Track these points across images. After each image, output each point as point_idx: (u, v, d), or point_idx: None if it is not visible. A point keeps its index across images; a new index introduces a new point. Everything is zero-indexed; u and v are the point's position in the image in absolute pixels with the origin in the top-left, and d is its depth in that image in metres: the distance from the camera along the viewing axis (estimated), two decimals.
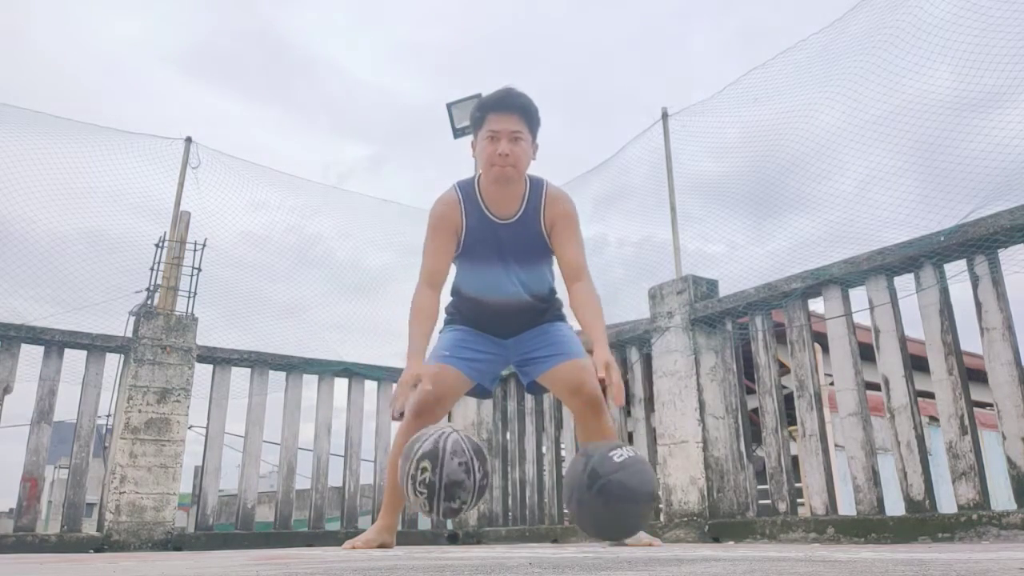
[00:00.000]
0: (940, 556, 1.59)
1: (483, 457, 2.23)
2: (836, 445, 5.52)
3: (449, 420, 6.00)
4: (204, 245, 5.39)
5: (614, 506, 2.24)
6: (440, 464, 2.15)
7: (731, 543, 3.69)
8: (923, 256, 3.35)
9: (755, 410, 4.11)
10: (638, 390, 4.73)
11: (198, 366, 5.04)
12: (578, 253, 2.68)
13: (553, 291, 2.85)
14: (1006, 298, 3.12)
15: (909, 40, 3.70)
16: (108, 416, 4.95)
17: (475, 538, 5.59)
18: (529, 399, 5.54)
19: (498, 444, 5.80)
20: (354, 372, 5.58)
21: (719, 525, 3.99)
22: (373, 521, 3.41)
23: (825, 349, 3.93)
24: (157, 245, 5.27)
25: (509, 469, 5.64)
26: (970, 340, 3.29)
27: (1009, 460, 2.99)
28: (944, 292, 3.33)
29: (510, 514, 5.57)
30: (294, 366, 5.38)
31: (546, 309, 2.81)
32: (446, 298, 2.88)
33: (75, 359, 4.78)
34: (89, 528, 4.72)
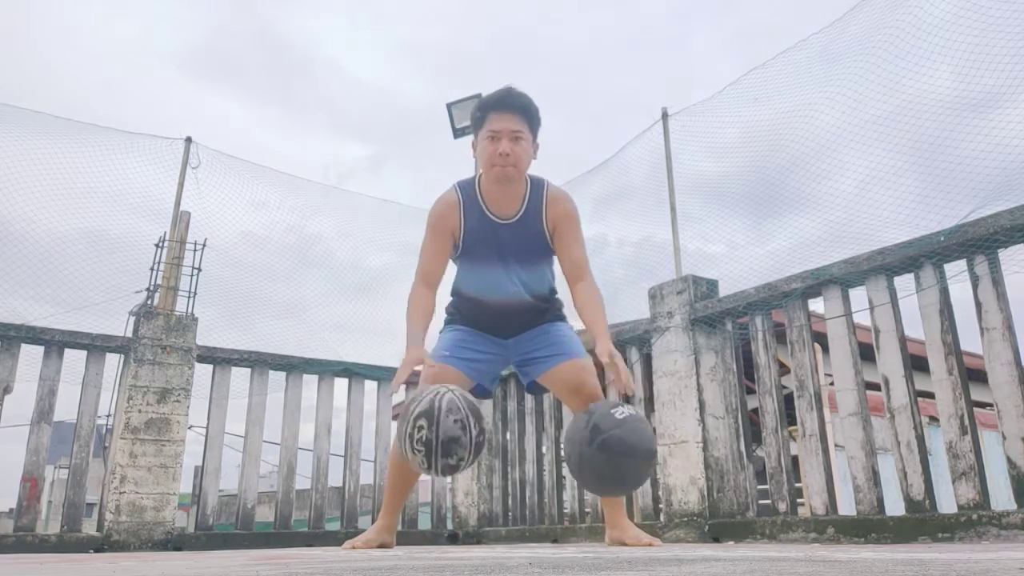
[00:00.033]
0: (940, 556, 1.59)
1: (479, 415, 2.24)
2: (836, 445, 5.51)
3: None
4: (204, 245, 5.39)
5: (614, 461, 2.27)
6: (436, 422, 2.16)
7: (731, 543, 3.70)
8: (923, 256, 3.35)
9: (755, 410, 4.11)
10: (638, 390, 4.73)
11: (198, 366, 5.04)
12: (580, 253, 2.69)
13: (554, 291, 2.85)
14: (1006, 298, 3.12)
15: (909, 40, 3.70)
16: (108, 416, 4.95)
17: (475, 538, 5.59)
18: (529, 399, 5.54)
19: (498, 444, 5.80)
20: (354, 372, 5.58)
21: (719, 525, 3.99)
22: (373, 521, 3.41)
23: (825, 349, 3.93)
24: (157, 245, 5.27)
25: (509, 469, 5.65)
26: (970, 340, 3.29)
27: (1009, 460, 2.99)
28: (944, 292, 3.33)
29: (510, 514, 5.57)
30: (294, 366, 5.38)
31: (546, 309, 2.81)
32: (446, 298, 2.88)
33: (75, 359, 4.78)
34: (89, 528, 4.72)
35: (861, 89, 4.01)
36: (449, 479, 6.05)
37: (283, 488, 5.20)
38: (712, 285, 4.50)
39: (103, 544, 4.44)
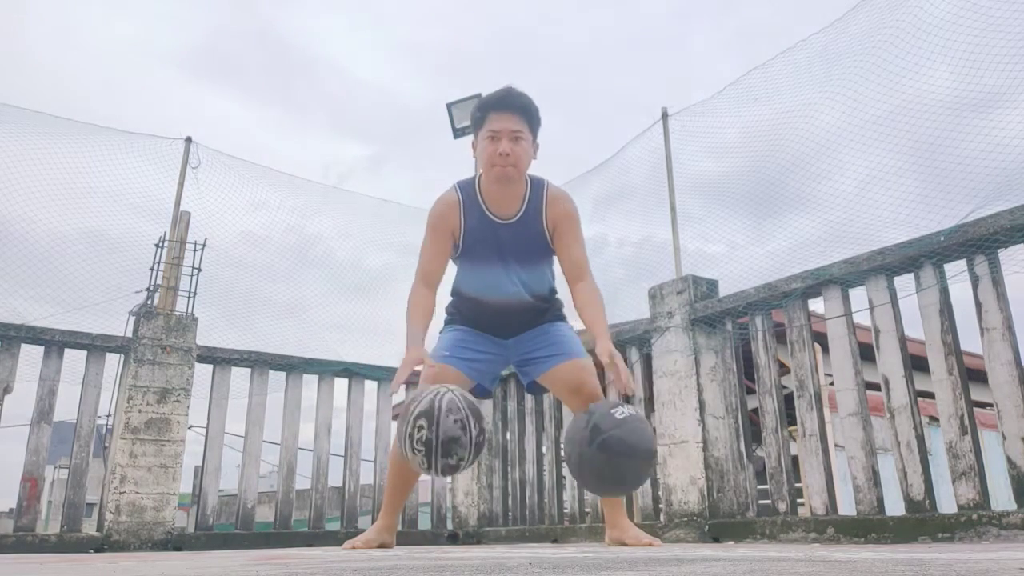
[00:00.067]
0: (940, 556, 1.59)
1: (479, 415, 2.24)
2: (836, 445, 5.51)
3: None
4: (204, 245, 5.39)
5: (614, 461, 2.27)
6: (436, 422, 2.16)
7: (731, 543, 3.70)
8: (923, 256, 3.35)
9: (755, 410, 4.11)
10: (638, 390, 4.73)
11: (198, 366, 5.04)
12: (580, 253, 2.70)
13: (554, 291, 2.85)
14: (1006, 298, 3.12)
15: (909, 40, 3.70)
16: (108, 416, 4.95)
17: (475, 538, 5.59)
18: (529, 399, 5.54)
19: (498, 444, 5.80)
20: (354, 372, 5.58)
21: (719, 525, 3.99)
22: (373, 521, 3.41)
23: (825, 349, 3.93)
24: (157, 245, 5.27)
25: (509, 469, 5.65)
26: (970, 340, 3.29)
27: (1009, 460, 2.99)
28: (944, 292, 3.33)
29: (510, 514, 5.57)
30: (294, 366, 5.38)
31: (546, 309, 2.81)
32: (445, 298, 2.88)
33: (75, 359, 4.78)
34: (89, 528, 4.72)
35: (861, 89, 4.01)
36: (449, 479, 6.05)
37: (283, 488, 5.20)
38: (712, 285, 4.50)
39: (103, 544, 4.44)
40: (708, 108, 4.99)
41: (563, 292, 2.84)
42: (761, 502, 4.09)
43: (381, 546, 2.83)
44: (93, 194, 5.25)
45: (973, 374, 3.31)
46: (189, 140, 5.58)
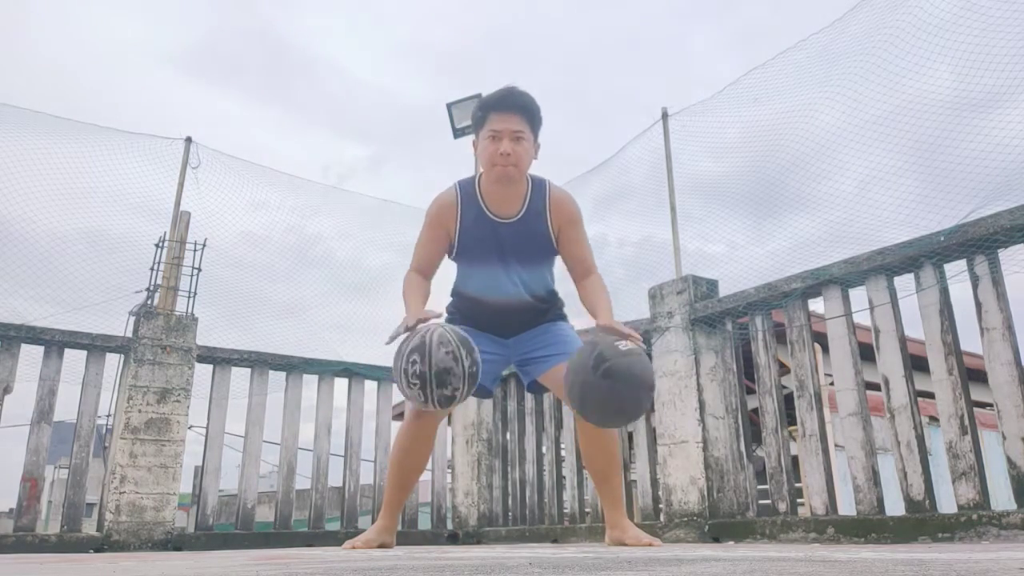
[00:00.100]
0: (940, 556, 1.59)
1: (470, 347, 2.30)
2: (836, 445, 5.52)
3: (449, 421, 6.01)
4: (204, 245, 5.39)
5: (617, 387, 2.27)
6: (428, 354, 2.23)
7: (731, 543, 3.70)
8: (923, 256, 3.35)
9: (755, 410, 4.11)
10: None
11: (198, 366, 5.04)
12: (587, 251, 2.75)
13: (554, 291, 2.85)
14: (1006, 298, 3.12)
15: (909, 40, 3.70)
16: (108, 416, 4.95)
17: (475, 538, 5.59)
18: (529, 399, 5.54)
19: (498, 444, 5.80)
20: (354, 372, 5.58)
21: (719, 525, 3.99)
22: (373, 521, 3.41)
23: (825, 349, 3.93)
24: (157, 245, 5.27)
25: (509, 469, 5.64)
26: (970, 340, 3.29)
27: (1009, 460, 2.99)
28: (944, 292, 3.33)
29: (510, 514, 5.57)
30: (294, 366, 5.38)
31: (547, 309, 2.81)
32: (446, 298, 2.88)
33: (75, 359, 4.78)
34: (89, 528, 4.72)
35: (861, 89, 4.01)
36: (449, 479, 6.05)
37: (283, 488, 5.20)
38: (712, 285, 4.50)
39: (103, 544, 4.44)
40: (708, 108, 4.99)
41: (563, 291, 2.85)
42: (761, 502, 4.09)
43: (381, 546, 2.83)
44: (93, 194, 5.25)
45: (973, 374, 3.31)
46: (189, 140, 5.58)
